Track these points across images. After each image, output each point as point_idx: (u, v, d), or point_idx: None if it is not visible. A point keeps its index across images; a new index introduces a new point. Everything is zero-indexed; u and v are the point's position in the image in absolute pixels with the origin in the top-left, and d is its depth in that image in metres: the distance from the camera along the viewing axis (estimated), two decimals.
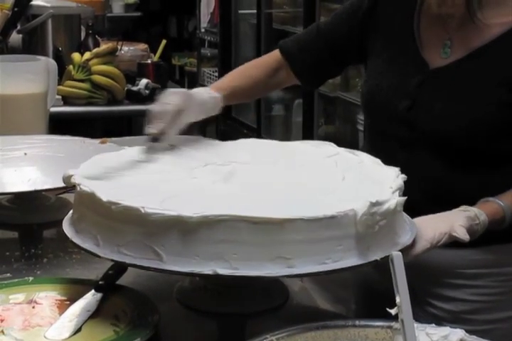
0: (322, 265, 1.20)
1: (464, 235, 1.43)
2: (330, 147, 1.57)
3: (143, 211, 1.19)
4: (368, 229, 1.23)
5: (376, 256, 1.24)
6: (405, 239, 1.33)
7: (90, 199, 1.27)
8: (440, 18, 1.62)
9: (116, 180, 1.35)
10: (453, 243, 1.49)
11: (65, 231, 1.33)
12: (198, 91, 1.69)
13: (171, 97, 1.58)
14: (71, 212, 1.39)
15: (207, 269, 1.18)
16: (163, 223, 1.19)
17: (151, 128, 1.53)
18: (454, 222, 1.44)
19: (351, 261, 1.23)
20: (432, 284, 1.65)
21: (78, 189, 1.31)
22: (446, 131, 1.58)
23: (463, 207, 1.49)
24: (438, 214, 1.47)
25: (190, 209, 1.19)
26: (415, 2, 1.67)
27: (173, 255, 1.19)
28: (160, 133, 1.53)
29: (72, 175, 1.35)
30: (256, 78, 1.85)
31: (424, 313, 1.65)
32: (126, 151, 1.54)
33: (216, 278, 1.19)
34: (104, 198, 1.24)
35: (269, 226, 1.18)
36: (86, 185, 1.30)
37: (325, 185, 1.37)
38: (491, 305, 1.65)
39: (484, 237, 1.50)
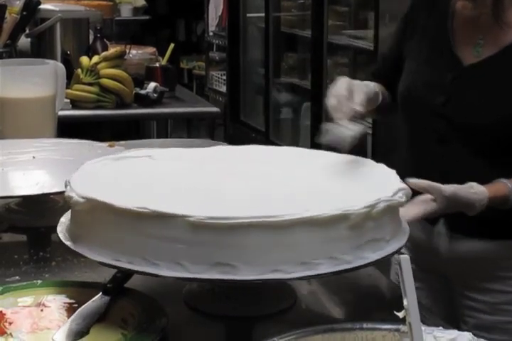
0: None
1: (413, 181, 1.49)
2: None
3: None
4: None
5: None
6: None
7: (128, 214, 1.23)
8: (472, 19, 1.70)
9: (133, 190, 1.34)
10: (493, 234, 1.64)
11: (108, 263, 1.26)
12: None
13: (338, 86, 1.61)
14: (71, 224, 1.37)
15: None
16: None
17: (339, 117, 1.56)
18: None
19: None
20: (470, 276, 1.70)
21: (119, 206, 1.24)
22: (481, 125, 1.64)
23: None
24: None
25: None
26: (448, 4, 1.73)
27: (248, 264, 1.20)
28: (353, 115, 1.57)
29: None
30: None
31: (460, 307, 1.68)
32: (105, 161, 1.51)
33: None
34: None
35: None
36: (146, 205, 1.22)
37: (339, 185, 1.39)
38: None
39: None
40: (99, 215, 1.27)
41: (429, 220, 1.73)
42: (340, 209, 1.22)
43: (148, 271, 1.22)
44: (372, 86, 1.73)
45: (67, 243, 1.32)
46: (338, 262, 1.23)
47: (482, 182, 1.58)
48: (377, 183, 1.38)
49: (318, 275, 1.22)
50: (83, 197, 1.29)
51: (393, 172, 1.43)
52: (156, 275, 1.22)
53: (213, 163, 1.51)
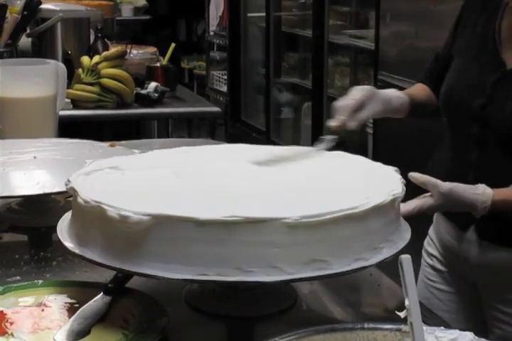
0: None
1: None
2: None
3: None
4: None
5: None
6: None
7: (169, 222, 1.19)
8: None
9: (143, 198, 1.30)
10: None
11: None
12: (385, 90, 1.76)
13: (355, 92, 1.66)
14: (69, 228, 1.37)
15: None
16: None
17: (332, 122, 1.62)
18: None
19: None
20: (498, 286, 1.68)
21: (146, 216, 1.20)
22: None
23: None
24: None
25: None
26: (500, 4, 1.70)
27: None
28: (340, 126, 1.61)
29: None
30: (427, 92, 1.89)
31: (489, 317, 1.67)
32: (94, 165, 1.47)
33: None
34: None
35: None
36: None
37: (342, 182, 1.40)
38: None
39: None
40: (169, 231, 1.19)
41: (460, 227, 1.72)
42: (391, 195, 1.29)
43: (245, 280, 1.19)
44: (396, 98, 1.74)
45: (129, 267, 1.23)
46: (392, 244, 1.30)
47: None
48: (380, 172, 1.42)
49: (387, 258, 1.27)
50: (147, 215, 1.19)
51: (368, 160, 1.50)
52: (258, 283, 1.20)
53: (205, 163, 1.48)
